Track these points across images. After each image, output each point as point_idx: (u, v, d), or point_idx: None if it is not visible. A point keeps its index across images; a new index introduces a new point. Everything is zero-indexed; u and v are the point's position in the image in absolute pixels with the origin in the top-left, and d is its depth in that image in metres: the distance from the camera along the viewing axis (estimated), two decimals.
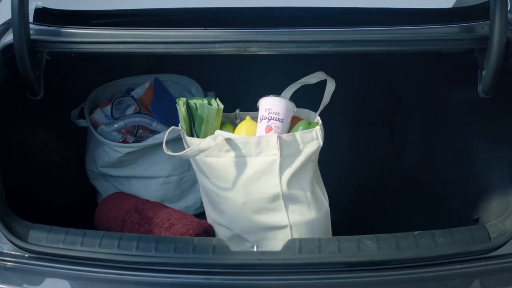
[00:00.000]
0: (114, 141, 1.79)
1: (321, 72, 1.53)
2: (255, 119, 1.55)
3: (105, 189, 1.87)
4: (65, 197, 1.79)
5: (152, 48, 1.44)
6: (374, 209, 1.94)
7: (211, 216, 1.59)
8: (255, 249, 1.42)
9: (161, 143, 1.48)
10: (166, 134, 1.46)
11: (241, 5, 1.58)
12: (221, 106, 1.51)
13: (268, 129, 1.47)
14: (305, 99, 1.57)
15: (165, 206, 1.70)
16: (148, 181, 1.82)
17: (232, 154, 1.43)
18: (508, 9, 1.35)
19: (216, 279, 1.23)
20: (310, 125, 1.49)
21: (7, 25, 1.45)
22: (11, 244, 1.28)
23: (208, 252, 1.25)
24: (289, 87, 1.57)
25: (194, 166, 1.54)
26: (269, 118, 1.48)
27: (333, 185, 1.59)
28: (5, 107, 1.52)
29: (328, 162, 1.62)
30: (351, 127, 2.34)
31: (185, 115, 1.48)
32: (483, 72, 1.41)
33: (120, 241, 1.27)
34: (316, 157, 1.49)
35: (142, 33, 1.45)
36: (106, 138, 1.78)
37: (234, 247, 1.28)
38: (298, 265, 1.24)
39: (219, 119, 1.50)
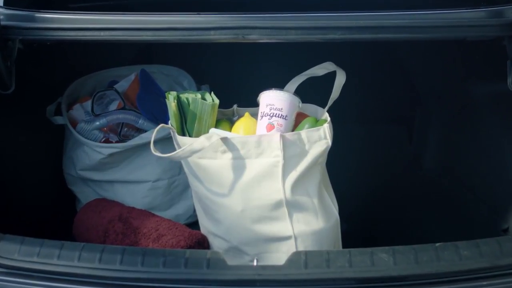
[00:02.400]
0: (95, 141, 1.79)
1: (329, 62, 1.53)
2: (255, 115, 1.55)
3: (85, 195, 1.87)
4: (40, 205, 1.79)
5: (139, 36, 1.44)
6: (389, 218, 1.94)
7: (205, 226, 1.59)
8: (255, 263, 1.42)
9: (148, 143, 1.47)
10: (154, 133, 1.46)
11: None
12: (217, 101, 1.51)
13: (270, 127, 1.47)
14: (312, 93, 1.57)
15: (153, 215, 1.70)
16: (134, 186, 1.81)
17: (229, 155, 1.43)
18: None
19: None
20: (317, 122, 1.49)
21: None
22: None
23: (201, 266, 1.24)
24: (294, 79, 1.57)
25: (185, 169, 1.54)
26: (271, 114, 1.48)
27: (344, 190, 1.59)
28: None
29: (338, 165, 1.62)
30: (363, 125, 2.34)
31: (176, 111, 1.48)
32: None
33: (102, 254, 1.26)
34: (324, 159, 1.49)
35: (127, 19, 1.45)
36: (86, 138, 1.78)
37: (231, 261, 1.27)
38: (304, 281, 1.24)
39: (214, 115, 1.50)
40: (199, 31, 1.41)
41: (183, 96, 1.50)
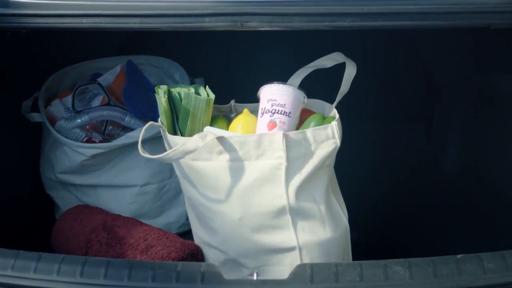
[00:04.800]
0: (76, 141, 1.79)
1: (338, 53, 1.54)
2: (254, 112, 1.55)
3: (65, 201, 1.87)
4: (14, 212, 1.79)
5: (125, 23, 1.44)
6: (405, 227, 1.95)
7: (200, 235, 1.59)
8: (254, 277, 1.42)
9: (135, 143, 1.48)
10: (142, 132, 1.46)
11: None
12: (212, 96, 1.51)
13: (272, 125, 1.47)
14: (319, 87, 1.57)
15: (141, 223, 1.70)
16: (120, 191, 1.82)
17: (226, 156, 1.43)
18: None
19: None
20: (324, 120, 1.49)
21: None
22: None
23: (195, 280, 1.25)
24: (298, 72, 1.57)
25: (177, 172, 1.54)
26: (273, 111, 1.48)
27: (354, 196, 1.59)
28: None
29: (347, 167, 1.62)
30: (376, 122, 2.34)
31: (166, 108, 1.48)
32: None
33: (84, 267, 1.26)
34: (332, 161, 1.49)
35: (112, 4, 1.45)
36: (66, 137, 1.78)
37: (228, 275, 1.27)
38: None
39: (209, 112, 1.51)
40: (192, 18, 1.42)
41: (175, 90, 1.50)
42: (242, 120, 1.53)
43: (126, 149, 1.78)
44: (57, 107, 1.86)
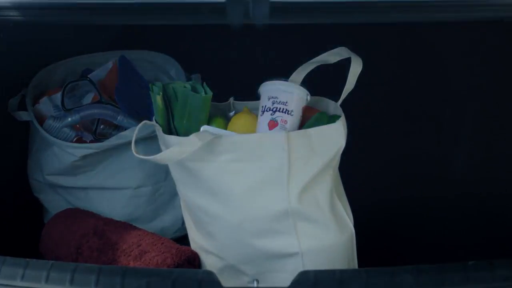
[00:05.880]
0: (66, 140, 1.79)
1: (343, 48, 1.54)
2: (255, 110, 1.55)
3: (54, 204, 1.87)
4: (0, 216, 1.79)
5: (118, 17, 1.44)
6: (414, 232, 1.95)
7: (197, 241, 1.59)
8: (255, 285, 1.43)
9: (128, 143, 1.48)
10: (135, 131, 1.46)
11: None
12: (210, 93, 1.51)
13: (273, 124, 1.47)
14: (323, 84, 1.57)
15: (135, 228, 1.70)
16: (112, 194, 1.82)
17: (224, 157, 1.43)
18: None
19: None
20: (329, 119, 1.49)
21: None
22: None
23: None
24: (301, 68, 1.57)
25: (173, 174, 1.54)
26: (274, 109, 1.48)
27: (360, 199, 1.59)
28: None
29: (353, 169, 1.62)
30: (382, 122, 2.34)
31: (161, 106, 1.48)
32: None
33: (74, 274, 1.26)
34: (336, 162, 1.49)
35: None
36: (55, 136, 1.78)
37: (226, 282, 1.27)
38: None
39: (207, 110, 1.51)
40: (189, 11, 1.41)
41: (170, 87, 1.50)
42: (241, 119, 1.53)
43: (118, 149, 1.78)
44: (45, 105, 1.86)
